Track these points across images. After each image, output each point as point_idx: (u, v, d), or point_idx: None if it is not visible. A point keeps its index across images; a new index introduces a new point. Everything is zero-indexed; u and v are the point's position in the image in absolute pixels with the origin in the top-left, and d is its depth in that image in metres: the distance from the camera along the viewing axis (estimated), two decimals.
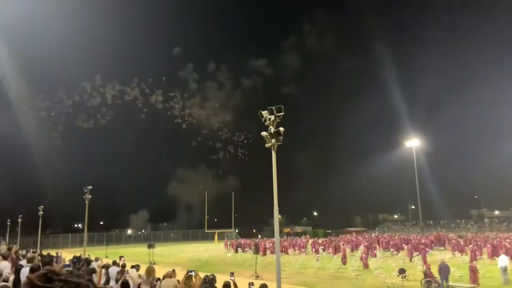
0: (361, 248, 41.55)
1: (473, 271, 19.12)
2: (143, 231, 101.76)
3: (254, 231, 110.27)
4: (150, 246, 37.42)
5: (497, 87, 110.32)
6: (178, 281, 9.23)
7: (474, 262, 21.53)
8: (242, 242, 56.52)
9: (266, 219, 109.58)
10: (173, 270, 9.53)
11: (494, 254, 31.18)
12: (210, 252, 49.43)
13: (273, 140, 9.72)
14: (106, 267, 13.89)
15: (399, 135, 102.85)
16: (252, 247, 40.94)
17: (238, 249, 51.20)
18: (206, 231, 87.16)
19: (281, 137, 9.76)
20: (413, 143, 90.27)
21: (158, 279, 10.77)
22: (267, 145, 10.08)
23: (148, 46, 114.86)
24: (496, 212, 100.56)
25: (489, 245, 34.78)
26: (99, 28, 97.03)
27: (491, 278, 21.17)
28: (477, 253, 31.56)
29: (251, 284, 9.37)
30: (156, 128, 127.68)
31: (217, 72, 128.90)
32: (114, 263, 14.75)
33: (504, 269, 20.32)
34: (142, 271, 12.34)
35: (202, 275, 9.84)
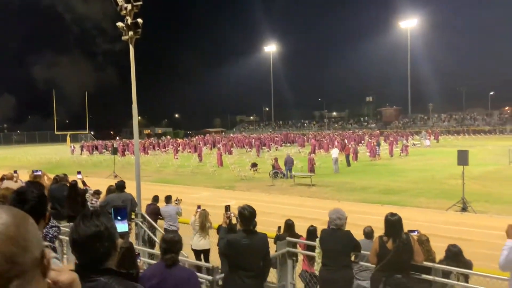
0: (219, 146, 44.03)
1: (311, 162, 22.24)
2: None
3: (111, 132, 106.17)
4: None
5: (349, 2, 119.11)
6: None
7: (312, 155, 24.93)
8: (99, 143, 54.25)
9: (125, 121, 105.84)
10: (15, 171, 8.65)
11: (329, 148, 36.49)
12: (62, 154, 46.34)
13: (130, 33, 8.92)
14: None
15: (259, 40, 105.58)
16: (110, 148, 39.74)
17: (95, 150, 49.19)
18: (56, 132, 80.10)
19: (139, 30, 9.01)
20: (271, 48, 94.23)
21: None
22: (123, 38, 9.23)
23: None
24: (334, 113, 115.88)
25: (325, 141, 40.49)
26: None
27: (325, 168, 25.00)
28: (316, 147, 36.48)
29: (111, 186, 9.14)
30: (24, 12, 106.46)
31: None
32: None
33: (335, 160, 24.11)
34: None
35: (51, 176, 9.24)
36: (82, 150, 51.49)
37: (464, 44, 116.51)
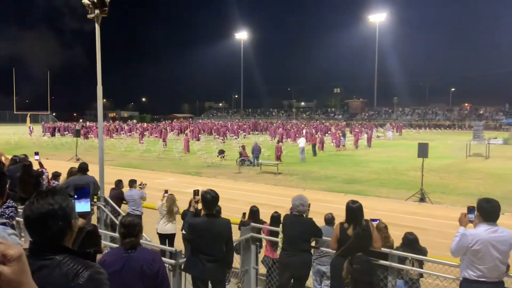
0: (187, 132, 43.58)
1: (278, 151, 22.45)
2: None
3: (75, 114, 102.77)
4: None
5: None
6: None
7: (280, 144, 25.15)
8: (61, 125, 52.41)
9: (89, 103, 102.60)
10: None
11: (296, 137, 36.91)
12: (21, 135, 44.48)
13: (97, 11, 8.62)
14: None
15: (230, 26, 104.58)
16: (72, 131, 38.53)
17: (56, 132, 47.53)
18: (15, 112, 76.52)
19: (106, 9, 8.71)
20: (242, 35, 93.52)
21: None
22: (89, 16, 8.91)
23: None
24: (302, 103, 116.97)
25: (293, 130, 40.93)
26: None
27: (292, 156, 25.31)
28: (283, 136, 36.82)
29: (72, 168, 8.90)
30: None
31: None
32: None
33: (302, 150, 24.44)
34: None
35: (9, 156, 8.87)
36: (45, 131, 49.39)
37: (431, 40, 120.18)
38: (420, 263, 5.21)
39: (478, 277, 3.83)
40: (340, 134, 31.95)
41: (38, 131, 49.26)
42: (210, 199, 4.57)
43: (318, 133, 37.91)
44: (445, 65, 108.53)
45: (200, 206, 5.33)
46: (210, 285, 4.70)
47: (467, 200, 13.37)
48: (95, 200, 7.59)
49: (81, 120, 75.17)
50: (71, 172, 8.02)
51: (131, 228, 3.26)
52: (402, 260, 5.02)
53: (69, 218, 1.62)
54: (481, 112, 76.42)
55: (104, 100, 10.87)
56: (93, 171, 8.57)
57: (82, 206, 2.19)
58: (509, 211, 11.68)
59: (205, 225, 4.53)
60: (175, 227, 8.16)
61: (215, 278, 4.63)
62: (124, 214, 8.27)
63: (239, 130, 47.10)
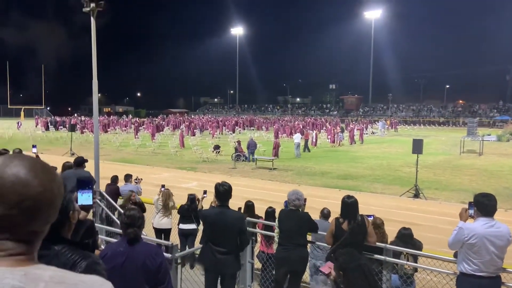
0: (182, 128, 43.45)
1: (275, 147, 22.48)
2: None
3: (69, 109, 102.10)
4: None
5: None
6: None
7: (277, 139, 25.19)
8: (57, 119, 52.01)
9: (84, 97, 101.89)
10: None
11: (291, 133, 36.92)
12: (15, 129, 44.18)
13: (93, 4, 8.54)
14: None
15: (226, 21, 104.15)
16: (67, 125, 38.32)
17: (50, 126, 47.19)
18: (9, 106, 76.02)
19: (102, 2, 8.64)
20: (238, 31, 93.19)
21: None
22: (84, 10, 8.83)
23: None
24: (298, 99, 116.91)
25: (288, 126, 40.93)
26: None
27: (287, 152, 25.34)
28: (279, 132, 36.82)
29: (66, 162, 8.82)
30: None
31: None
32: None
33: (297, 145, 24.49)
34: None
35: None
36: (48, 125, 48.49)
37: (426, 37, 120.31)
38: (415, 258, 5.25)
39: (474, 271, 3.87)
40: (339, 130, 31.97)
41: (31, 126, 48.93)
42: (222, 191, 4.63)
43: (313, 129, 37.96)
44: (440, 62, 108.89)
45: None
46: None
47: (460, 196, 13.49)
48: None
49: (75, 114, 74.67)
50: (64, 166, 7.97)
51: (134, 220, 3.31)
52: (397, 254, 5.05)
53: (66, 210, 1.63)
54: (475, 109, 76.85)
55: (99, 94, 10.75)
56: (88, 166, 8.52)
57: (84, 199, 2.18)
58: (501, 207, 11.79)
59: (217, 216, 4.59)
60: (171, 222, 8.16)
61: (225, 272, 4.65)
62: (121, 210, 8.25)
63: (236, 126, 47.05)
